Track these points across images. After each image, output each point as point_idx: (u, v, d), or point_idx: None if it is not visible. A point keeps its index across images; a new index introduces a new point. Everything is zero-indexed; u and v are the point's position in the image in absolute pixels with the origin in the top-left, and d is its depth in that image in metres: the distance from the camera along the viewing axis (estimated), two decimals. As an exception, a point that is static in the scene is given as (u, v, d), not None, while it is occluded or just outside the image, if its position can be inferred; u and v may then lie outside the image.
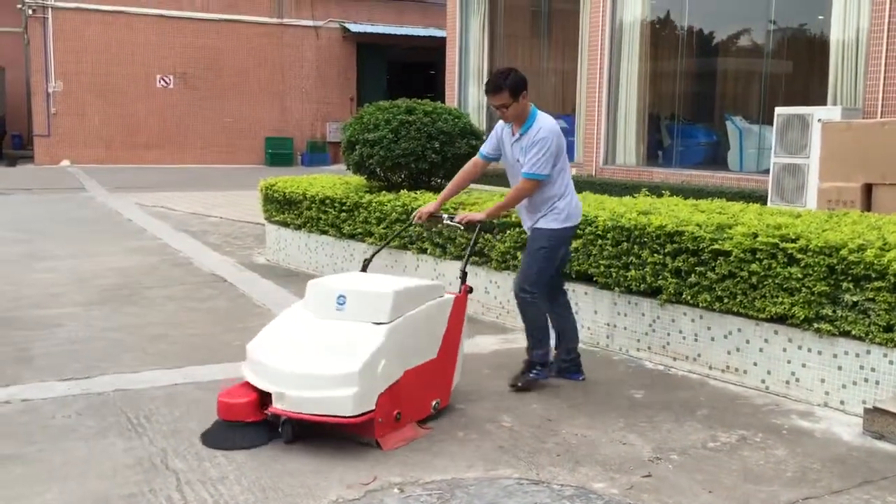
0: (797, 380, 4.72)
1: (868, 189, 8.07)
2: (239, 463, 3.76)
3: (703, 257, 5.07)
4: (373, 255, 4.96)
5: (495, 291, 6.53)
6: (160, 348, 5.66)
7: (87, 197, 16.37)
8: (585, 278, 5.85)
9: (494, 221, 5.49)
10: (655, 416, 4.47)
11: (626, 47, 14.51)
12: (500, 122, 4.97)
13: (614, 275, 5.59)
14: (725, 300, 4.99)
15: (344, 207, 7.89)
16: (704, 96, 15.25)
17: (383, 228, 7.32)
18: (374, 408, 3.85)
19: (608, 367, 5.40)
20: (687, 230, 5.14)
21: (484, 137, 8.21)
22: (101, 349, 5.60)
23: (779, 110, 9.97)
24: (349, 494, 3.46)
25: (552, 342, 5.05)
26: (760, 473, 3.73)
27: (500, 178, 5.86)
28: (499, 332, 6.18)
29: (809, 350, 4.65)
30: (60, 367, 5.15)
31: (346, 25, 27.69)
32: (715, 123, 14.68)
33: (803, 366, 4.68)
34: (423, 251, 7.10)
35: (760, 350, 4.88)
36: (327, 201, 8.14)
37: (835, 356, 4.54)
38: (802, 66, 13.42)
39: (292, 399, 3.85)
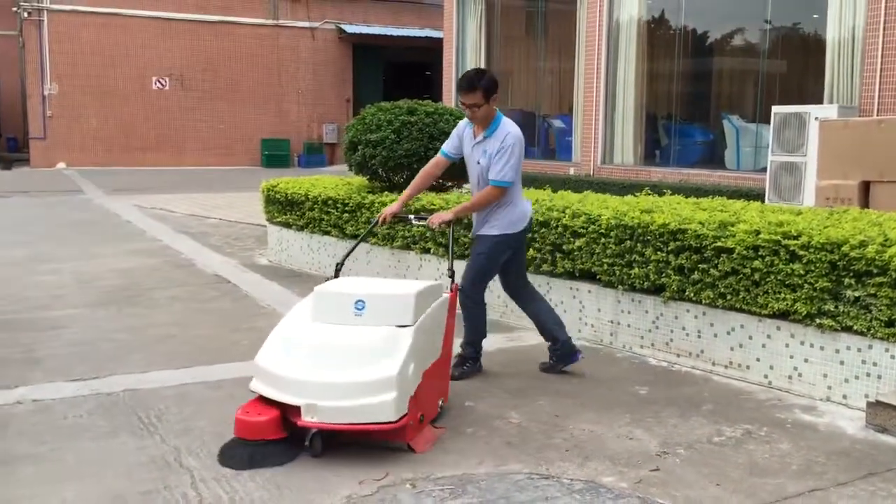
0: (800, 375, 4.78)
1: (866, 187, 8.13)
2: (251, 460, 3.80)
3: (705, 254, 5.12)
4: (343, 259, 4.81)
5: (499, 290, 6.57)
6: (167, 349, 5.70)
7: (85, 199, 16.38)
8: (589, 276, 5.91)
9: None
10: (661, 411, 4.52)
11: (623, 47, 14.57)
12: (463, 121, 5.01)
13: (618, 273, 5.64)
14: (728, 297, 5.05)
15: (346, 208, 7.93)
16: (701, 95, 15.32)
17: (386, 229, 7.36)
18: (407, 411, 3.81)
19: (612, 364, 5.45)
20: (690, 228, 5.20)
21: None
22: (109, 350, 5.63)
23: (776, 109, 10.04)
24: (362, 490, 3.50)
25: (483, 344, 5.23)
26: (766, 466, 3.79)
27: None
28: (503, 331, 6.23)
29: (812, 345, 4.71)
30: (69, 368, 5.19)
31: (342, 26, 27.73)
32: (712, 122, 14.75)
33: (806, 361, 4.74)
34: (427, 251, 7.14)
35: (763, 346, 4.94)
36: (330, 202, 8.18)
37: (837, 351, 4.60)
38: (798, 64, 13.50)
39: (326, 410, 3.71)
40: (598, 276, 5.82)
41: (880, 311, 4.38)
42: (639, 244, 5.49)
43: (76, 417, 4.35)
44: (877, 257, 4.35)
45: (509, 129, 4.83)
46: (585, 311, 5.93)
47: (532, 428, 4.26)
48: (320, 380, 3.76)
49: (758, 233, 4.88)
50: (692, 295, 5.24)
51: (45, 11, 24.80)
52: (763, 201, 9.56)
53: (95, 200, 16.14)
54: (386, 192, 7.74)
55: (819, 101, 11.02)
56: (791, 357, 4.82)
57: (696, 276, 5.19)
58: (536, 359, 5.56)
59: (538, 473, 3.71)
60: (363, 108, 8.54)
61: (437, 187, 7.96)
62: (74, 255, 9.60)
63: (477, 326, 5.17)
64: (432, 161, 5.15)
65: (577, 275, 5.96)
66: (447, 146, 5.06)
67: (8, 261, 9.10)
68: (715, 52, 15.15)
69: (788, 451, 3.97)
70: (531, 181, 13.20)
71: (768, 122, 10.09)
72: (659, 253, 5.37)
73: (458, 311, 4.83)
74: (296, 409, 3.75)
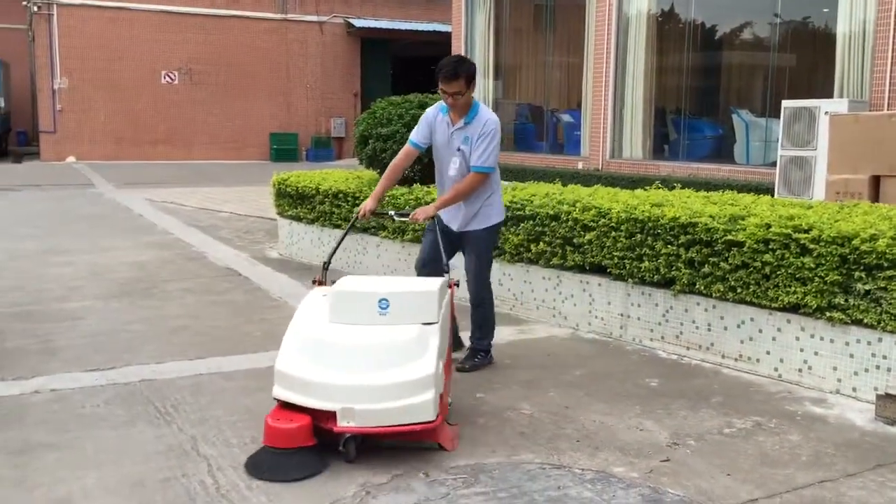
0: (810, 368, 4.81)
1: (876, 181, 8.14)
2: (267, 449, 3.86)
3: (716, 248, 5.15)
4: (330, 257, 4.68)
5: (508, 283, 6.62)
6: (182, 340, 5.77)
7: (96, 193, 16.48)
8: (599, 270, 5.94)
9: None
10: (671, 403, 4.56)
11: (632, 41, 14.57)
12: (431, 109, 4.92)
13: (628, 266, 5.68)
14: (738, 290, 5.08)
15: (357, 202, 7.97)
16: (710, 90, 15.30)
17: (397, 223, 7.40)
18: (439, 409, 3.76)
19: (622, 356, 5.49)
20: (700, 221, 5.23)
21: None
22: (124, 341, 5.70)
23: (786, 103, 10.03)
24: (376, 479, 3.55)
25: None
26: (776, 458, 3.83)
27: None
28: (514, 324, 6.27)
29: (822, 338, 4.74)
30: (85, 359, 5.25)
31: (351, 20, 27.77)
32: (721, 117, 14.74)
33: (816, 354, 4.77)
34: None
35: (773, 339, 4.97)
36: (340, 195, 8.23)
37: (847, 344, 4.63)
38: (808, 58, 13.47)
39: (364, 413, 3.58)
40: (608, 270, 5.85)
41: (890, 304, 4.41)
42: (649, 238, 5.52)
43: (94, 407, 4.42)
44: (887, 251, 4.38)
45: (489, 115, 4.83)
46: (595, 304, 5.97)
47: (543, 419, 4.31)
48: (356, 383, 3.62)
49: (768, 226, 4.91)
50: (702, 288, 5.27)
51: (55, 5, 24.90)
52: (772, 196, 9.59)
53: (106, 194, 16.23)
54: (396, 186, 7.77)
55: (829, 95, 11.01)
56: (801, 350, 4.85)
57: (706, 269, 5.22)
58: (547, 351, 5.61)
59: (550, 463, 3.75)
60: (372, 102, 8.60)
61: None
62: (88, 247, 9.68)
63: (492, 318, 5.24)
64: (402, 152, 5.00)
65: (588, 268, 6.00)
66: (416, 136, 4.92)
67: (22, 253, 9.18)
68: (724, 46, 15.13)
69: (798, 443, 4.01)
70: (540, 175, 13.26)
71: (778, 116, 10.09)
72: (669, 246, 5.40)
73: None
74: (328, 415, 3.61)
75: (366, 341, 3.76)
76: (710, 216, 5.23)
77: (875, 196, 8.04)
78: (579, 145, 15.82)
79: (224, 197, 15.56)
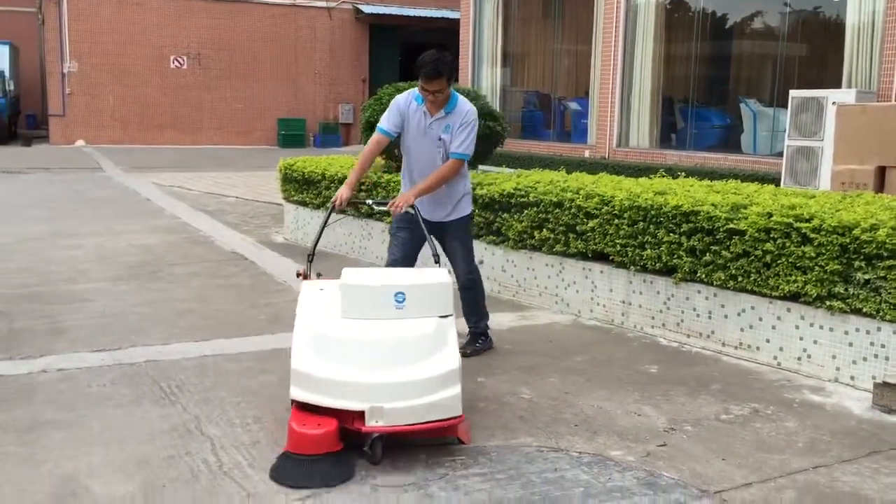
0: (809, 356, 4.84)
1: (881, 172, 8.13)
2: (270, 430, 3.92)
3: (717, 236, 5.18)
4: (313, 249, 4.53)
5: (511, 270, 6.66)
6: (188, 322, 5.83)
7: (105, 177, 16.56)
8: (601, 257, 5.98)
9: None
10: (670, 389, 4.60)
11: (641, 29, 14.54)
12: (402, 98, 4.82)
13: (630, 254, 5.71)
14: (739, 278, 5.11)
15: (363, 187, 8.01)
16: (718, 79, 15.27)
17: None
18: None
19: (623, 343, 5.53)
20: (702, 210, 5.26)
21: (502, 120, 8.32)
22: (131, 322, 5.77)
23: (793, 93, 10.02)
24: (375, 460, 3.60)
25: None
26: (772, 443, 3.87)
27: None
28: (516, 310, 6.32)
29: (821, 327, 4.77)
30: (92, 339, 5.33)
31: (359, 6, 27.72)
32: (729, 106, 14.72)
33: (815, 342, 4.81)
34: (441, 230, 7.22)
35: (773, 327, 5.00)
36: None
37: (846, 333, 4.66)
38: (817, 49, 13.43)
39: (394, 412, 3.44)
40: (610, 257, 5.89)
41: (889, 293, 4.43)
42: (651, 226, 5.55)
43: (100, 386, 4.49)
44: (887, 241, 4.40)
45: (468, 105, 4.83)
46: (597, 291, 6.00)
47: (543, 403, 4.36)
48: (384, 380, 3.48)
49: (770, 215, 4.93)
50: (704, 276, 5.31)
51: (65, -11, 24.94)
52: (778, 186, 9.60)
53: (115, 178, 16.32)
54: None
55: (837, 85, 10.99)
56: (801, 339, 4.88)
57: (707, 257, 5.25)
58: (548, 337, 5.66)
59: (548, 446, 3.81)
60: (379, 89, 8.62)
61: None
62: (96, 230, 9.76)
63: (484, 299, 5.30)
64: (373, 141, 4.86)
65: (590, 255, 6.03)
66: (387, 124, 4.80)
67: (31, 236, 9.26)
68: (733, 36, 15.09)
69: (795, 430, 4.05)
70: (546, 163, 13.29)
71: (786, 106, 10.08)
72: (671, 234, 5.43)
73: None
74: (352, 415, 3.48)
75: (388, 336, 3.60)
76: (713, 205, 5.26)
77: (880, 187, 8.04)
78: (586, 133, 15.83)
79: (231, 182, 15.63)
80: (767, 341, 5.04)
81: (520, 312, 6.27)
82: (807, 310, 4.83)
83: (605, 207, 5.82)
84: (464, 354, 4.98)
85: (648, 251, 5.58)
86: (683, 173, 6.87)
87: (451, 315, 3.76)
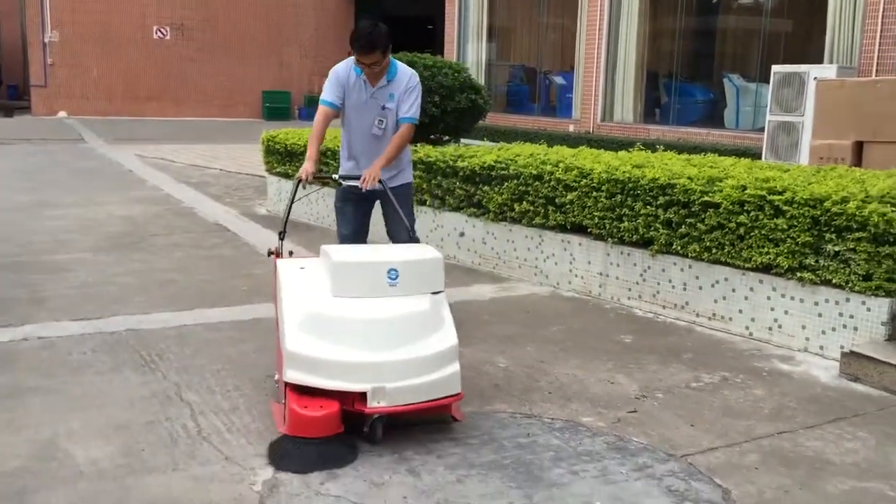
0: (780, 326, 4.94)
1: (859, 146, 8.22)
2: (249, 397, 3.98)
3: (693, 209, 5.25)
4: (284, 225, 4.36)
5: (492, 242, 6.72)
6: (169, 292, 5.87)
7: (87, 148, 16.46)
8: (580, 229, 6.04)
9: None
10: (643, 358, 4.69)
11: (626, 4, 14.52)
12: (341, 68, 4.69)
13: (608, 226, 5.78)
14: (714, 250, 5.19)
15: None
16: (702, 54, 15.29)
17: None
18: None
19: (600, 314, 5.62)
20: (679, 183, 5.32)
21: (484, 93, 8.33)
22: (112, 292, 5.80)
23: (775, 68, 10.08)
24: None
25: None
26: (739, 410, 3.97)
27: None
28: (495, 282, 6.39)
29: (792, 298, 4.87)
30: (73, 309, 5.36)
31: (345, -22, 27.47)
32: (713, 81, 14.75)
33: (786, 313, 4.90)
34: (423, 202, 7.27)
35: (746, 298, 5.10)
36: (328, 153, 8.26)
37: (816, 304, 4.76)
38: (801, 24, 13.47)
39: (396, 392, 3.37)
40: (588, 230, 5.96)
41: (858, 265, 4.53)
42: (629, 198, 5.62)
43: (81, 354, 4.53)
44: (857, 213, 4.49)
45: (409, 70, 4.76)
46: (576, 263, 6.08)
47: (518, 372, 4.44)
48: (388, 360, 3.39)
49: (744, 188, 5.00)
50: (679, 248, 5.39)
51: (46, -43, 24.58)
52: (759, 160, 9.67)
53: (97, 149, 16.22)
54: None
55: (820, 61, 11.04)
56: (772, 309, 4.98)
57: (683, 230, 5.33)
58: (527, 308, 5.74)
59: (521, 413, 3.89)
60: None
61: (435, 140, 8.06)
62: (78, 201, 9.74)
63: None
64: (320, 115, 4.69)
65: (569, 228, 6.10)
66: (331, 96, 4.66)
67: (13, 206, 9.24)
68: (717, 11, 15.09)
69: (762, 397, 4.15)
70: (531, 138, 13.30)
71: (769, 81, 10.14)
72: (648, 207, 5.50)
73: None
74: (352, 396, 3.39)
75: (386, 315, 3.48)
76: (689, 178, 5.32)
77: (858, 161, 8.12)
78: (571, 108, 15.85)
79: (214, 154, 15.58)
80: (740, 312, 5.13)
81: (499, 284, 6.34)
82: (778, 281, 4.92)
83: (584, 180, 5.87)
84: None
85: (626, 223, 5.65)
86: (662, 147, 6.93)
87: (442, 291, 3.69)
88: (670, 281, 5.50)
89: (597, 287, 5.97)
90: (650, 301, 5.63)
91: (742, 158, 6.28)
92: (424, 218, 7.25)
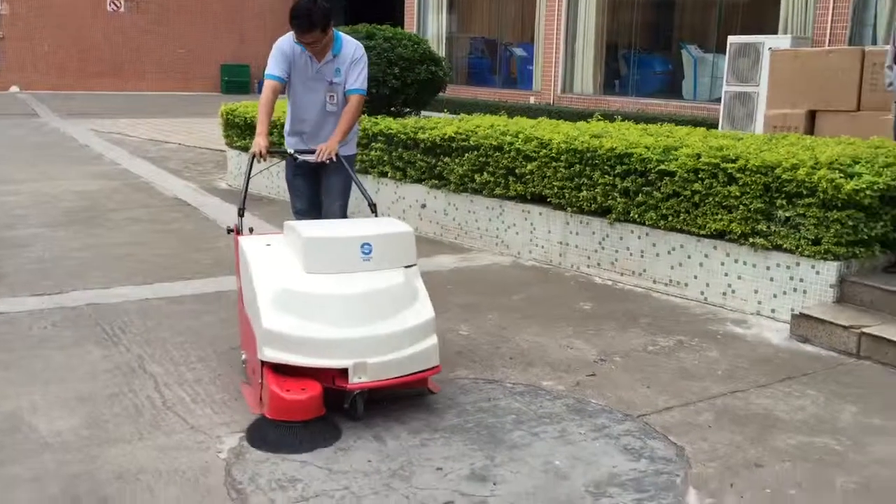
0: (733, 291, 5.08)
1: (812, 115, 8.41)
2: (212, 368, 4.01)
3: (650, 178, 5.35)
4: (243, 202, 4.16)
5: (453, 213, 6.78)
6: (129, 266, 5.84)
7: (41, 123, 16.13)
8: (539, 199, 6.12)
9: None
10: (602, 324, 4.80)
11: (585, -25, 14.55)
12: (285, 41, 4.57)
13: (567, 195, 5.86)
14: (670, 218, 5.30)
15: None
16: (661, 26, 15.41)
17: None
18: None
19: (560, 282, 5.71)
20: (635, 152, 5.41)
21: (444, 65, 8.34)
22: (71, 267, 5.76)
23: (731, 39, 10.21)
24: (318, 393, 3.72)
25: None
26: (694, 372, 4.09)
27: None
28: (457, 252, 6.46)
29: (745, 263, 5.00)
30: (32, 284, 5.31)
31: (303, -51, 27.05)
32: (671, 53, 14.89)
33: (739, 278, 5.04)
34: (384, 175, 7.29)
35: (700, 264, 5.22)
36: (279, 125, 8.22)
37: (768, 268, 4.90)
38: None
39: (378, 366, 3.34)
40: (548, 199, 6.03)
41: (808, 230, 4.66)
42: (587, 168, 5.70)
43: (41, 329, 4.50)
44: (807, 179, 4.61)
45: (354, 42, 4.68)
46: (536, 232, 6.16)
47: (480, 339, 4.52)
48: (368, 335, 3.36)
49: (699, 156, 5.11)
50: (636, 217, 5.49)
51: (-8, -74, 23.86)
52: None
53: (51, 124, 15.91)
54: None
55: (776, 32, 11.21)
56: (726, 275, 5.11)
57: (640, 198, 5.43)
58: (488, 278, 5.81)
59: (483, 378, 3.97)
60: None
61: (395, 112, 8.07)
62: (33, 177, 9.57)
63: None
64: (268, 89, 4.57)
65: (529, 198, 6.17)
66: (277, 70, 4.57)
67: (-36, 183, 9.07)
68: (676, -18, 15.19)
69: (716, 359, 4.28)
70: (492, 110, 13.33)
71: (725, 52, 10.27)
72: (606, 176, 5.59)
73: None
74: (334, 373, 3.37)
75: (363, 289, 3.44)
76: (646, 147, 5.41)
77: (811, 130, 8.31)
78: (532, 80, 15.89)
79: (172, 128, 15.37)
80: (695, 278, 5.26)
81: (461, 254, 6.41)
82: (732, 247, 5.05)
83: (543, 150, 5.94)
84: None
85: (584, 193, 5.74)
86: (620, 118, 7.02)
87: (415, 265, 3.68)
88: (628, 248, 5.61)
89: (557, 256, 6.06)
90: (609, 269, 5.74)
91: (698, 128, 6.38)
92: (386, 190, 7.28)
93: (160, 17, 26.05)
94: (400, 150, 7.07)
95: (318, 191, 4.87)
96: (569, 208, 5.90)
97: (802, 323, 4.57)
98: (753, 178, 4.83)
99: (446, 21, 18.10)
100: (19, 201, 8.08)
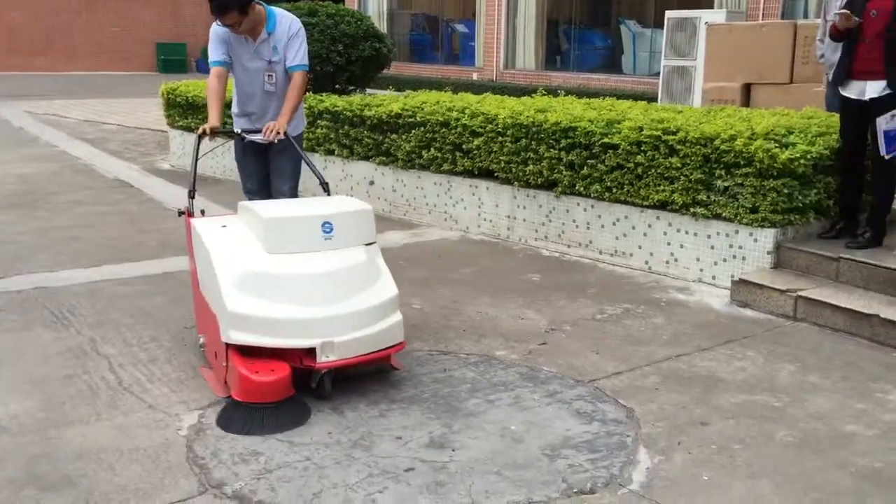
0: (676, 260, 5.24)
1: (747, 88, 8.65)
2: (167, 348, 4.01)
3: (594, 151, 5.47)
4: (193, 183, 4.07)
5: (401, 190, 6.82)
6: (74, 249, 5.75)
7: (-30, 105, 15.62)
8: (487, 174, 6.20)
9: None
10: (550, 295, 4.92)
11: (525, -50, 14.61)
12: (217, 25, 4.44)
13: (514, 170, 5.95)
14: (614, 190, 5.44)
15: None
16: (601, 1, 15.57)
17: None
18: None
19: (508, 255, 5.82)
20: (580, 126, 5.52)
21: (388, 41, 8.34)
22: (15, 251, 5.65)
23: (669, 13, 10.40)
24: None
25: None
26: (640, 337, 4.24)
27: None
28: (407, 228, 6.51)
29: (687, 232, 5.16)
30: (-26, 270, 5.21)
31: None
32: (611, 28, 15.07)
33: (681, 247, 5.20)
34: (331, 152, 7.29)
35: (644, 235, 5.37)
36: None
37: (708, 237, 5.07)
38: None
39: (345, 345, 3.35)
40: (495, 174, 6.12)
41: (746, 199, 4.84)
42: (533, 142, 5.79)
43: (-13, 314, 4.44)
44: (744, 150, 4.78)
45: (289, 16, 4.60)
46: (484, 207, 6.25)
47: (433, 313, 4.59)
48: (335, 314, 3.36)
49: (641, 129, 5.24)
50: (582, 189, 5.61)
51: None
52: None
53: (-19, 106, 15.42)
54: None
55: (712, 6, 11.44)
56: (668, 244, 5.27)
57: (585, 171, 5.55)
58: (438, 252, 5.89)
59: (438, 350, 4.05)
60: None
61: (340, 90, 8.05)
62: (-35, 161, 9.31)
63: None
64: (213, 75, 4.53)
65: (476, 173, 6.25)
66: (219, 55, 4.50)
67: None
68: (615, -43, 15.35)
69: (661, 325, 4.43)
70: (435, 86, 13.35)
71: (664, 27, 10.45)
72: (552, 150, 5.69)
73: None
74: (301, 353, 3.37)
75: (326, 269, 3.43)
76: (590, 121, 5.53)
77: (746, 102, 8.55)
78: (474, 56, 15.93)
79: (110, 109, 15.03)
80: (639, 248, 5.41)
81: (411, 230, 6.47)
82: (674, 217, 5.20)
83: (490, 126, 6.01)
84: None
85: (531, 167, 5.84)
86: (563, 92, 7.12)
87: (375, 242, 3.69)
88: (574, 221, 5.74)
89: (505, 230, 6.16)
90: (556, 241, 5.86)
91: (639, 102, 6.53)
92: (334, 168, 7.28)
93: (91, -5, 25.34)
94: (346, 127, 7.08)
95: (266, 172, 4.81)
96: (516, 182, 5.99)
97: (742, 288, 4.76)
98: (693, 150, 4.98)
99: (387, -3, 18.00)
100: (-46, 186, 7.87)
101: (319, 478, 2.85)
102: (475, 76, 15.24)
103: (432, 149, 6.42)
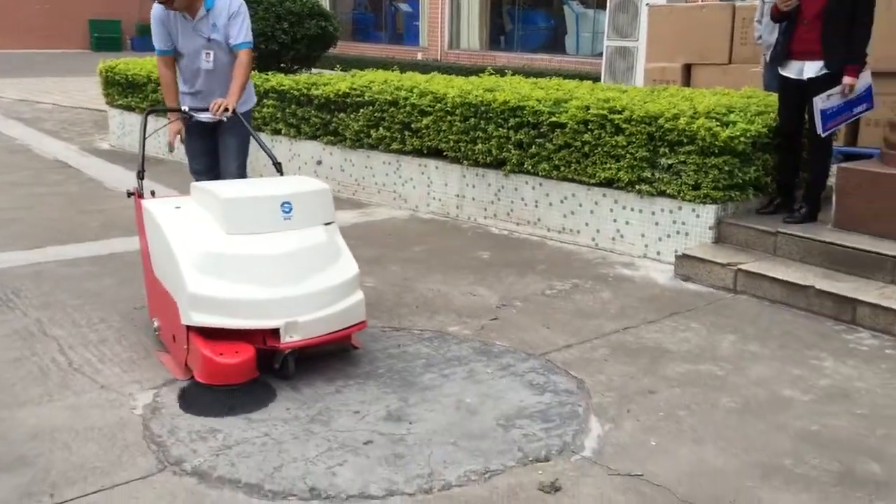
0: (622, 236, 5.37)
1: (688, 69, 8.82)
2: (117, 329, 3.96)
3: (542, 130, 5.55)
4: (141, 163, 3.99)
5: (350, 169, 6.82)
6: (15, 231, 5.62)
7: None
8: (436, 153, 6.24)
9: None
10: (501, 272, 4.99)
11: (469, -71, 14.60)
12: (158, 10, 4.43)
13: (463, 149, 6.00)
14: (562, 168, 5.53)
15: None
16: (544, -19, 15.66)
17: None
18: None
19: (458, 233, 5.88)
20: (528, 105, 5.59)
21: (333, 20, 8.27)
22: (-49, 234, 5.50)
23: (611, -5, 10.51)
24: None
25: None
26: (589, 311, 4.35)
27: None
28: (356, 207, 6.52)
29: (632, 209, 5.29)
30: (-90, 253, 5.06)
31: None
32: (554, 9, 15.18)
33: (627, 223, 5.33)
34: (278, 132, 7.23)
35: (591, 212, 5.48)
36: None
37: (653, 213, 5.20)
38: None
39: (308, 325, 3.35)
40: (444, 153, 6.16)
41: (688, 176, 4.98)
42: (482, 121, 5.84)
43: (-73, 298, 4.32)
44: (686, 128, 4.91)
45: None
46: (433, 186, 6.29)
47: (386, 291, 4.63)
48: (298, 293, 3.36)
49: (588, 108, 5.33)
50: (530, 168, 5.69)
51: None
52: (598, 84, 10.15)
53: None
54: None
55: (651, -12, 11.58)
56: (614, 221, 5.39)
57: (533, 150, 5.63)
58: (388, 231, 5.91)
59: (391, 327, 4.09)
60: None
61: (286, 69, 7.97)
62: None
63: None
64: (162, 65, 4.56)
65: (425, 152, 6.28)
66: (160, 42, 4.49)
67: None
68: (557, -62, 15.43)
69: (609, 299, 4.55)
70: (379, 66, 13.29)
71: (605, 8, 10.57)
72: (500, 129, 5.75)
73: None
74: (264, 333, 3.36)
75: (287, 249, 3.42)
76: (537, 100, 5.60)
77: (687, 82, 8.72)
78: (418, 36, 15.90)
79: (44, 88, 14.60)
80: (586, 225, 5.52)
81: (360, 210, 6.47)
82: (620, 194, 5.32)
83: (439, 105, 6.04)
84: None
85: (480, 146, 5.89)
86: (510, 72, 7.18)
87: (333, 221, 3.68)
88: (523, 199, 5.82)
89: (454, 208, 6.21)
90: (505, 219, 5.94)
91: (585, 81, 6.63)
92: (281, 147, 7.23)
93: (20, -31, 24.45)
94: (293, 106, 7.03)
95: (215, 153, 4.74)
96: (465, 161, 6.04)
97: (685, 263, 4.90)
98: (639, 128, 5.09)
99: (329, -24, 17.79)
100: None
101: (279, 452, 2.87)
102: (419, 56, 15.22)
103: (381, 128, 6.43)
